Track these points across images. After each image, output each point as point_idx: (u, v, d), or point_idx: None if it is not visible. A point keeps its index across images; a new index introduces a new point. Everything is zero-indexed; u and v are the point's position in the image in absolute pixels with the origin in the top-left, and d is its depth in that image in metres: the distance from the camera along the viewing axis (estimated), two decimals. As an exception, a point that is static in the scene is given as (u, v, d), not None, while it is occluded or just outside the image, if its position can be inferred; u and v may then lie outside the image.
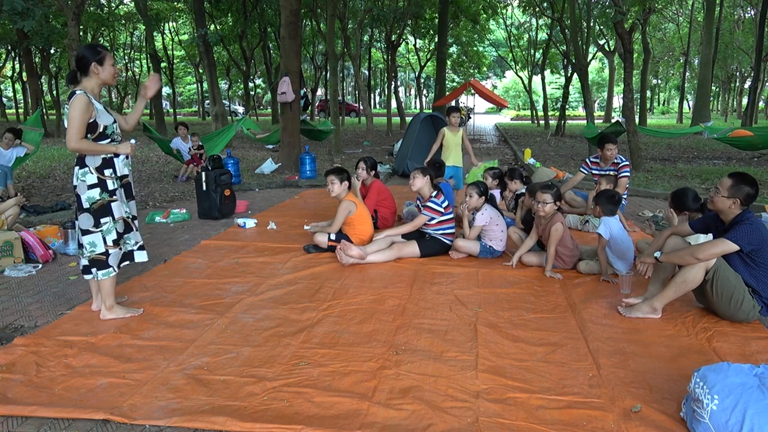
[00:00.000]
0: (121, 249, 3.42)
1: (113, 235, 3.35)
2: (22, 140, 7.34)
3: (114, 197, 3.33)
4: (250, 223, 6.03)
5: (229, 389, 2.57)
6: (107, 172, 3.31)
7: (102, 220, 3.30)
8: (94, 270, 3.35)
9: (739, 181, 3.25)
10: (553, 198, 4.30)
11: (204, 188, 6.36)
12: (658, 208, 6.80)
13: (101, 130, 3.26)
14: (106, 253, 3.34)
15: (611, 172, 5.96)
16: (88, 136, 3.23)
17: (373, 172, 5.90)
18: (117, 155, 3.35)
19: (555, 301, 3.78)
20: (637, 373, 2.75)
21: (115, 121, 3.39)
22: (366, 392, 2.54)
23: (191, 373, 2.72)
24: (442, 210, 4.80)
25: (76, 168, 3.28)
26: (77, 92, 3.18)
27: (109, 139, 3.32)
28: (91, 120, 3.22)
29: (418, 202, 5.21)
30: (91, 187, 3.26)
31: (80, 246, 3.39)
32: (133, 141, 3.45)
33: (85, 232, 3.31)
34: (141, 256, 3.56)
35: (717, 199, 3.32)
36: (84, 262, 3.37)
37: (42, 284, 4.13)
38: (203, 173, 6.38)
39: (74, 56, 3.25)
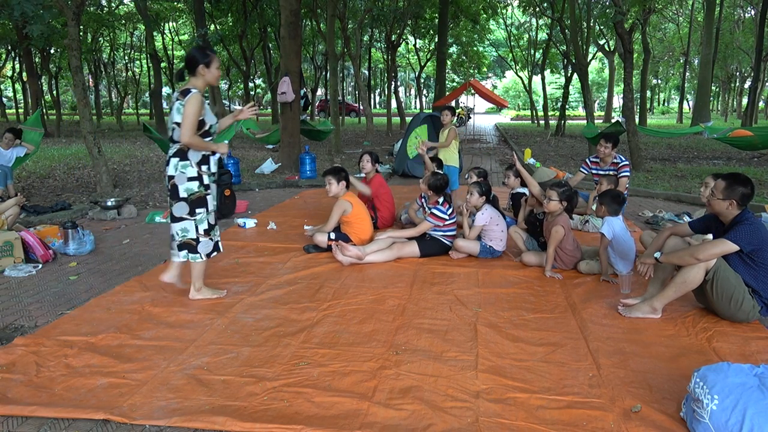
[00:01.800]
0: (211, 239, 3.67)
1: (205, 225, 3.61)
2: (22, 140, 7.34)
3: (208, 191, 3.59)
4: (250, 223, 6.03)
5: (229, 389, 2.57)
6: (204, 167, 3.54)
7: (197, 210, 3.56)
8: (185, 252, 3.61)
9: (733, 182, 3.25)
10: (559, 197, 4.31)
11: (204, 188, 6.35)
12: (658, 208, 6.81)
13: (206, 128, 3.52)
14: (197, 240, 3.60)
15: (611, 172, 5.96)
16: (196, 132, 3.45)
17: (377, 165, 5.94)
18: (213, 153, 3.60)
19: (555, 301, 3.78)
20: (637, 373, 2.75)
21: (217, 122, 3.64)
22: (366, 392, 2.54)
23: (191, 373, 2.72)
24: (447, 217, 4.80)
25: (175, 159, 3.48)
26: (193, 90, 3.40)
27: (210, 138, 3.58)
28: (200, 118, 3.44)
29: (423, 201, 5.20)
30: (190, 179, 3.50)
31: (172, 237, 3.63)
32: (226, 141, 3.64)
33: (178, 219, 3.57)
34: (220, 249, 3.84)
35: (713, 202, 3.33)
36: (175, 245, 3.63)
37: (42, 284, 4.14)
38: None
39: (186, 56, 3.57)
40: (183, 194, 3.50)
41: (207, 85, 3.55)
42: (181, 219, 3.55)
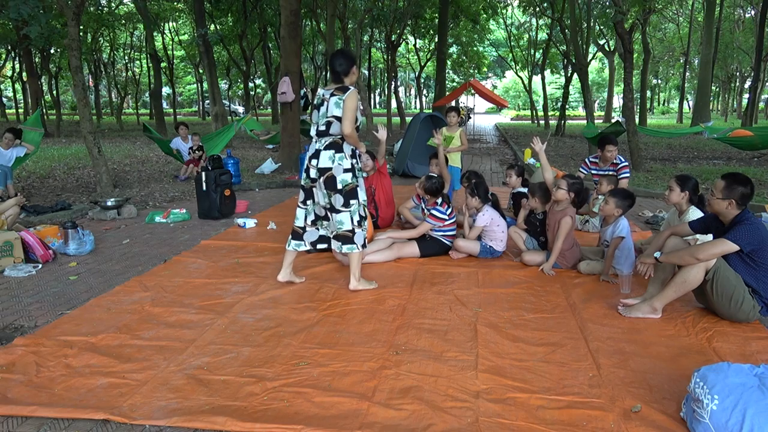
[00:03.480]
0: (363, 230, 3.82)
1: (357, 216, 3.78)
2: (22, 140, 7.34)
3: (358, 183, 3.77)
4: (250, 223, 6.03)
5: (229, 389, 2.57)
6: (354, 161, 3.75)
7: (351, 201, 3.73)
8: (339, 243, 3.79)
9: (732, 181, 3.26)
10: (567, 187, 4.34)
11: (204, 188, 6.36)
12: (658, 208, 6.81)
13: (357, 124, 3.68)
14: (353, 231, 3.77)
15: (610, 172, 5.96)
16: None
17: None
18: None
19: (555, 301, 3.78)
20: (637, 373, 2.75)
21: (364, 120, 3.78)
22: (366, 392, 2.54)
23: (191, 373, 2.72)
24: (446, 218, 4.80)
25: (331, 152, 3.67)
26: (352, 88, 3.64)
27: (357, 134, 3.75)
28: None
29: (422, 201, 5.20)
30: (346, 171, 3.69)
31: (326, 218, 3.85)
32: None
33: (336, 211, 3.75)
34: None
35: (713, 201, 3.34)
36: (325, 233, 3.90)
37: (42, 284, 4.13)
38: (203, 173, 6.39)
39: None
40: (339, 185, 3.67)
41: (352, 84, 3.73)
42: (338, 211, 3.73)
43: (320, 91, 3.76)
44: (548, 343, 3.09)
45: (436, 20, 22.22)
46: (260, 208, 7.17)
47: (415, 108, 50.85)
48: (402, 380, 2.66)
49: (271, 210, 7.06)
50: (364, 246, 3.85)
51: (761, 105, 36.07)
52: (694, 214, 4.06)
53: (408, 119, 17.74)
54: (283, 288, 4.00)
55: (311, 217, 3.90)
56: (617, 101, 40.66)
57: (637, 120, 15.09)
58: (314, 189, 3.80)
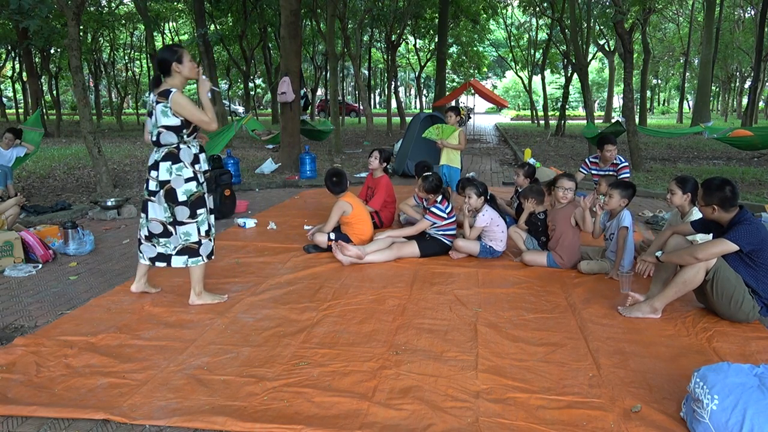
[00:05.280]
0: (210, 240, 3.64)
1: (206, 226, 3.58)
2: (22, 140, 7.33)
3: (205, 190, 3.57)
4: (250, 223, 6.04)
5: (229, 389, 2.57)
6: (197, 166, 3.53)
7: (198, 211, 3.52)
8: (184, 257, 3.56)
9: (707, 188, 3.30)
10: (575, 186, 4.49)
11: (204, 188, 6.35)
12: (658, 208, 6.80)
13: (208, 115, 3.47)
14: (199, 243, 3.56)
15: (611, 173, 5.96)
16: (184, 131, 3.43)
17: (385, 164, 5.93)
18: (202, 150, 3.60)
19: (555, 301, 3.78)
20: (637, 373, 2.75)
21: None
22: (366, 392, 2.54)
23: (191, 373, 2.72)
24: (445, 216, 4.80)
25: (168, 163, 3.42)
26: (173, 90, 3.36)
27: (195, 134, 3.56)
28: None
29: (423, 203, 5.20)
30: (188, 180, 3.47)
31: (164, 235, 3.53)
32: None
33: (181, 224, 3.50)
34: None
35: (701, 209, 3.41)
36: (164, 251, 3.57)
37: (42, 284, 4.13)
38: (203, 173, 6.37)
39: (155, 60, 3.51)
40: (182, 197, 3.44)
41: (186, 80, 3.48)
42: (183, 223, 3.49)
43: (150, 96, 3.47)
44: (548, 343, 3.09)
45: (436, 20, 22.22)
46: (260, 208, 7.17)
47: (415, 108, 50.82)
48: (402, 380, 2.66)
49: (271, 210, 7.06)
50: (210, 257, 3.63)
51: (761, 105, 36.07)
52: (697, 214, 4.07)
53: (408, 119, 17.72)
54: (283, 288, 4.00)
55: (144, 231, 3.59)
56: (617, 101, 40.66)
57: (637, 120, 15.09)
58: (149, 203, 3.51)
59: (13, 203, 5.22)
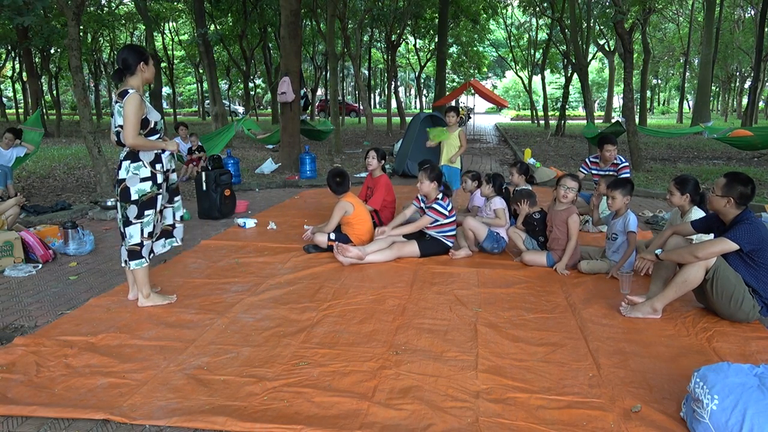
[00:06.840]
0: (152, 241, 3.58)
1: (150, 228, 3.52)
2: (22, 140, 7.34)
3: (160, 190, 3.52)
4: (250, 223, 6.03)
5: (229, 389, 2.57)
6: (158, 166, 3.48)
7: (146, 212, 3.47)
8: (127, 260, 3.51)
9: (733, 180, 3.27)
10: (578, 187, 4.47)
11: (204, 188, 6.36)
12: (658, 208, 6.80)
13: (152, 126, 3.45)
14: (141, 244, 3.50)
15: (611, 173, 5.95)
16: (141, 132, 3.38)
17: (383, 162, 5.94)
18: (164, 151, 3.53)
19: (555, 301, 3.78)
20: (637, 373, 2.75)
21: (162, 118, 3.59)
22: (366, 392, 2.54)
23: (191, 373, 2.72)
24: (447, 213, 4.80)
25: (127, 162, 3.41)
26: (130, 91, 3.33)
27: (157, 135, 3.51)
28: (143, 116, 3.38)
29: (422, 204, 5.20)
30: (143, 180, 3.43)
31: (122, 236, 3.54)
32: (177, 139, 3.58)
33: (128, 223, 3.47)
34: (171, 243, 3.79)
35: (712, 198, 3.36)
36: (125, 252, 3.53)
37: (42, 284, 4.13)
38: (203, 173, 6.39)
39: (119, 57, 3.47)
40: (134, 196, 3.41)
41: (146, 83, 3.49)
42: (130, 223, 3.45)
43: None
44: (548, 343, 3.09)
45: (436, 20, 22.21)
46: (260, 208, 7.17)
47: (415, 108, 50.81)
48: (402, 380, 2.66)
49: (271, 210, 7.06)
50: (149, 257, 3.57)
51: (761, 105, 36.07)
52: (697, 214, 4.07)
53: (408, 119, 17.73)
54: (283, 288, 4.00)
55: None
56: (617, 101, 40.66)
57: (637, 120, 15.09)
58: (118, 204, 3.53)
59: (13, 203, 5.22)
